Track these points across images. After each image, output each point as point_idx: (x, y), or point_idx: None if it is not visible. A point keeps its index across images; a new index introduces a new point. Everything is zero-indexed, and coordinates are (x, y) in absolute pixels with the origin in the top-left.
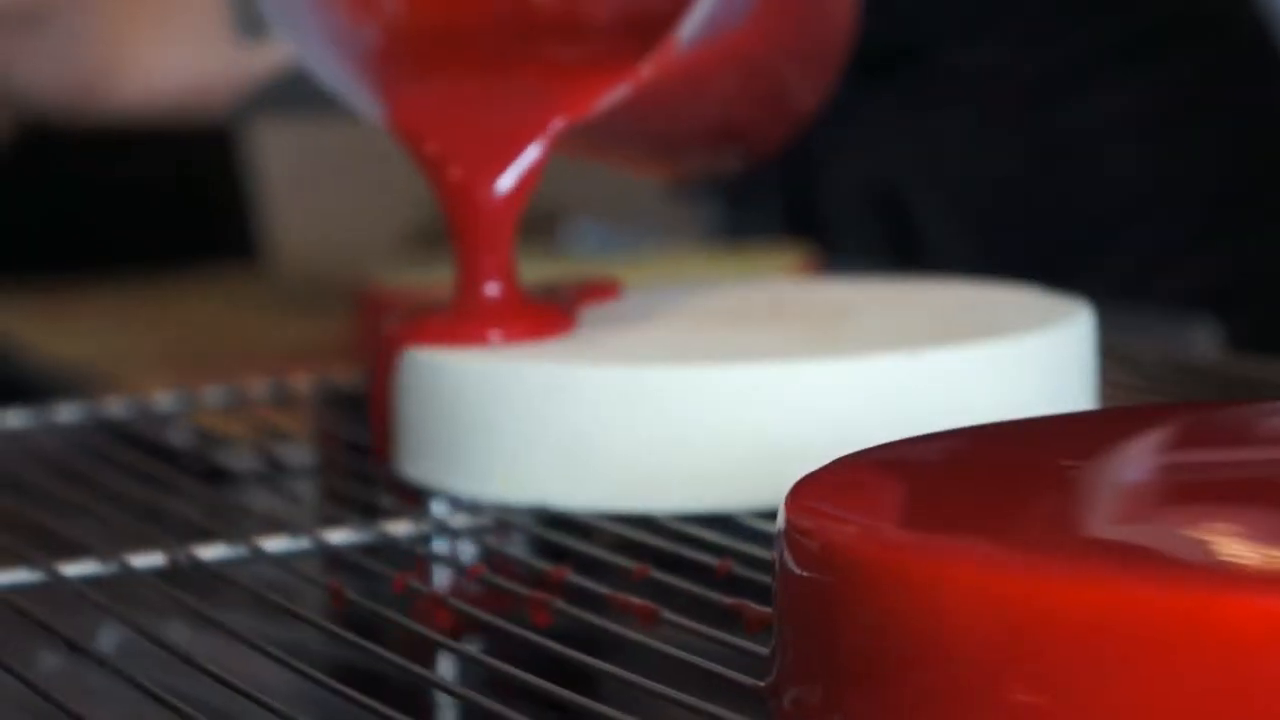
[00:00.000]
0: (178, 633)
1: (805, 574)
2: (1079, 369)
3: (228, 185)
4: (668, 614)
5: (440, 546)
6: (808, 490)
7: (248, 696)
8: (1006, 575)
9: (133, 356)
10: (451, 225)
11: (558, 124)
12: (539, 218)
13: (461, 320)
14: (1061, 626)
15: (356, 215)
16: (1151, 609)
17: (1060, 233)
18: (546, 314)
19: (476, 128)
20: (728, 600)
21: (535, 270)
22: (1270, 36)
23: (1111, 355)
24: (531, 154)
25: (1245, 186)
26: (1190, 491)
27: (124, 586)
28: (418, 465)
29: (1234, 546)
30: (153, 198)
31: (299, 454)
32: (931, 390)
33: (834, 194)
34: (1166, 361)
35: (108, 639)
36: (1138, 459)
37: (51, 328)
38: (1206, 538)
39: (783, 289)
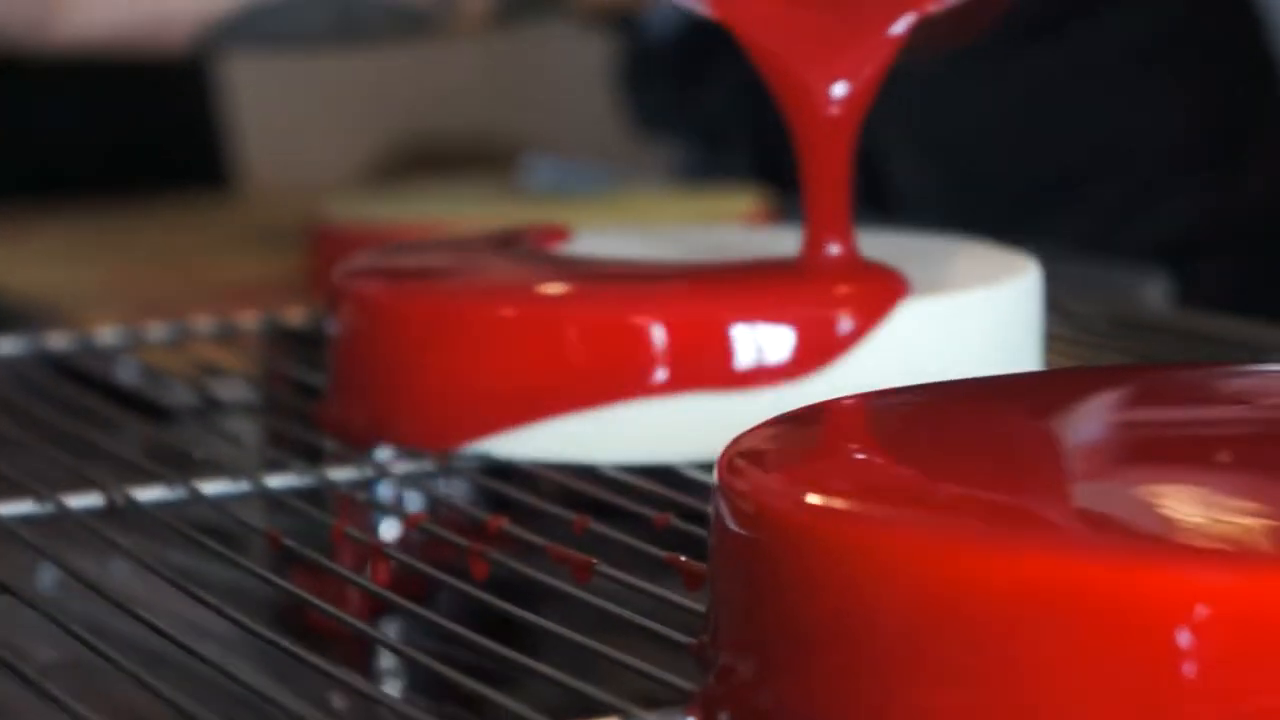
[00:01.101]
0: (114, 574)
1: (737, 534)
2: (1023, 326)
3: (200, 113)
4: (604, 568)
5: (382, 493)
6: (744, 449)
7: (178, 644)
8: (931, 545)
9: (83, 287)
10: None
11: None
12: (499, 152)
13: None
14: (984, 596)
15: (323, 143)
16: (1071, 580)
17: (1027, 182)
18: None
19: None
20: (665, 555)
21: (492, 203)
22: None
23: (1058, 310)
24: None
25: (1209, 139)
26: (1123, 457)
27: (60, 527)
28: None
29: (1159, 517)
30: (124, 124)
31: (242, 393)
32: (873, 344)
33: None
34: (1113, 317)
35: (43, 579)
36: (1072, 425)
37: (2, 255)
38: (1135, 507)
39: (730, 236)
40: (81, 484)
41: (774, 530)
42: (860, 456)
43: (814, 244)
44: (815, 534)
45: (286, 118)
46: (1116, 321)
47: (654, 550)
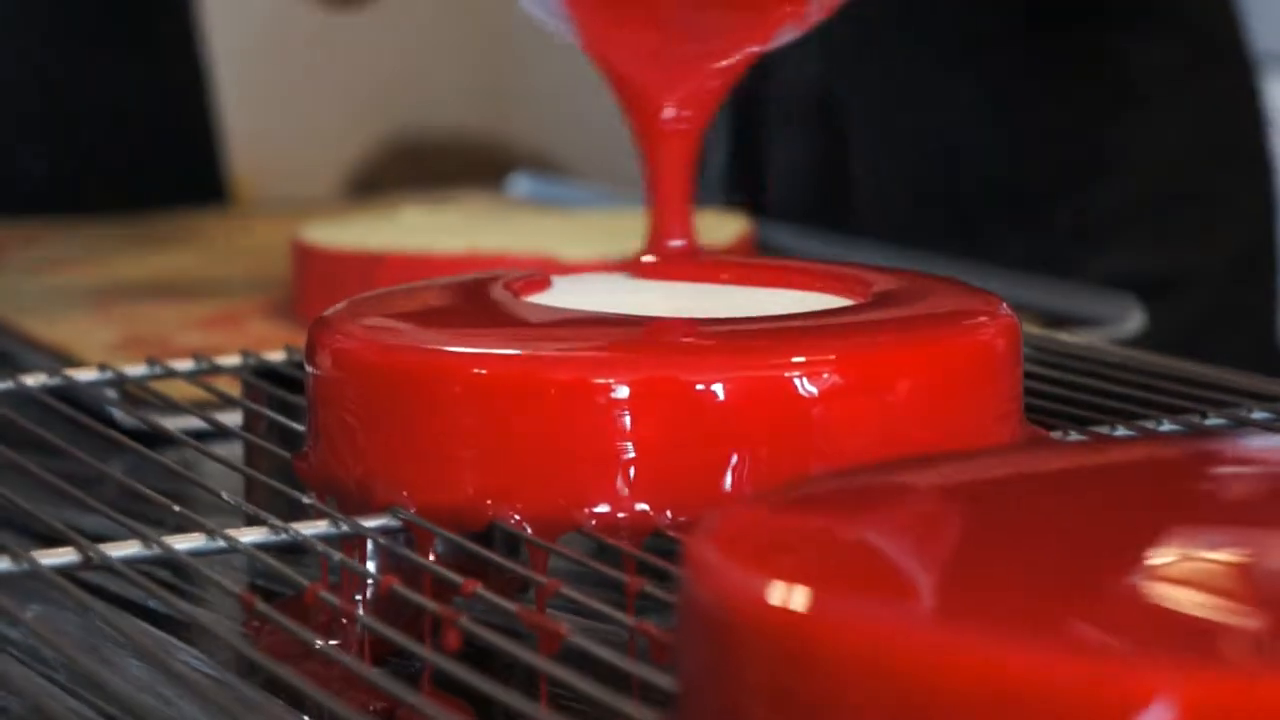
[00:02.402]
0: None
1: (702, 624)
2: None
3: (196, 128)
4: (575, 639)
5: (355, 551)
6: (713, 534)
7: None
8: (900, 651)
9: (66, 310)
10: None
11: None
12: (493, 155)
13: None
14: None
15: (314, 147)
16: (1027, 686)
17: (987, 195)
18: None
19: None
20: (633, 623)
21: (472, 227)
22: (1236, 27)
23: (1030, 344)
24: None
25: (1181, 177)
26: (1089, 542)
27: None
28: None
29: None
30: (118, 142)
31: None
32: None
33: (778, 159)
34: (1084, 356)
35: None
36: (1041, 511)
37: None
38: (1096, 600)
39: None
40: (56, 541)
41: (733, 629)
42: (829, 546)
43: (656, 239)
44: (776, 636)
45: (278, 121)
46: (1087, 359)
47: (622, 619)
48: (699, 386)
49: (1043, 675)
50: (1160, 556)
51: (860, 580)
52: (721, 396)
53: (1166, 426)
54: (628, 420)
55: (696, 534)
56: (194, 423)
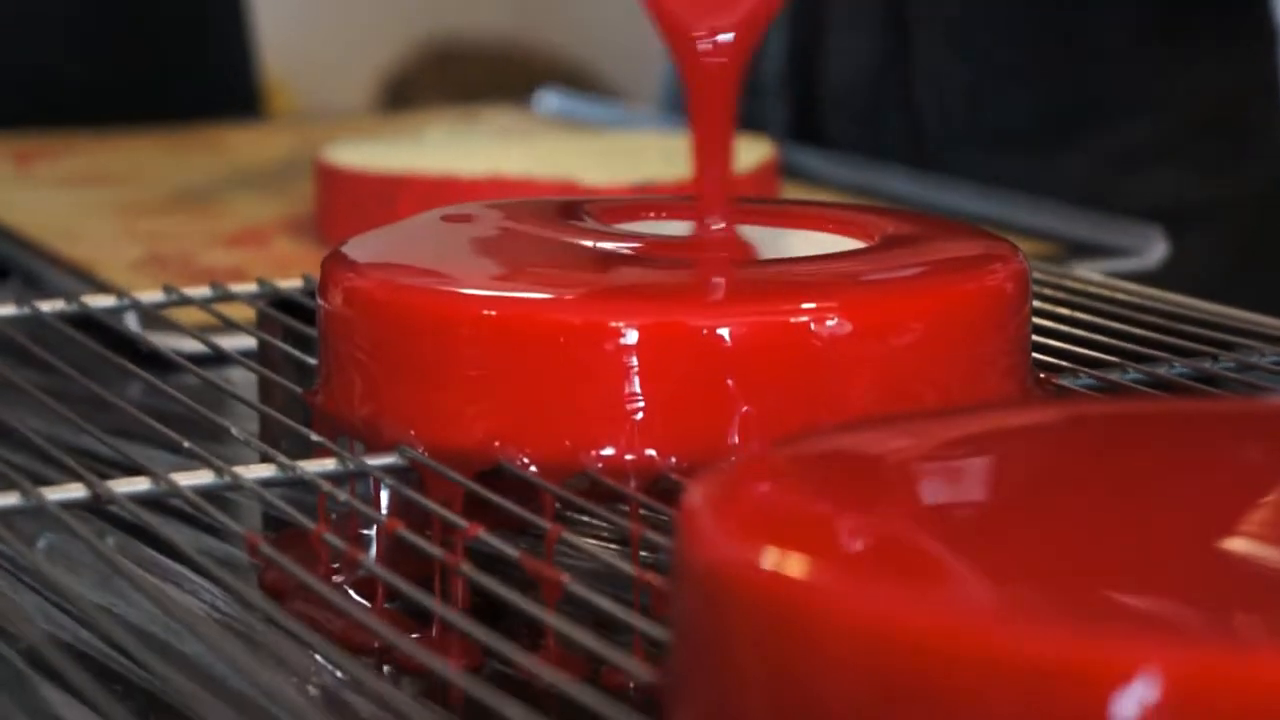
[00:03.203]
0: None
1: (692, 589)
2: None
3: (230, 39)
4: (574, 587)
5: (364, 489)
6: (707, 497)
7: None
8: (889, 624)
9: (92, 224)
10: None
11: None
12: (524, 73)
13: None
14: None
15: (346, 53)
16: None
17: (1041, 115)
18: None
19: None
20: (636, 573)
21: (494, 147)
22: None
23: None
24: None
25: (1217, 109)
26: (1084, 520)
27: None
28: None
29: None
30: (149, 52)
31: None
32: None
33: (836, 57)
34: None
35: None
36: (1041, 476)
37: (14, 188)
38: (1082, 573)
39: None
40: (65, 477)
41: (724, 596)
42: (829, 521)
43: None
44: (766, 604)
45: (313, 24)
46: (1101, 298)
47: (625, 568)
48: (705, 331)
49: (1027, 650)
50: (1161, 530)
51: (851, 550)
52: (728, 342)
53: (1177, 369)
54: (635, 364)
55: (691, 494)
56: (213, 346)
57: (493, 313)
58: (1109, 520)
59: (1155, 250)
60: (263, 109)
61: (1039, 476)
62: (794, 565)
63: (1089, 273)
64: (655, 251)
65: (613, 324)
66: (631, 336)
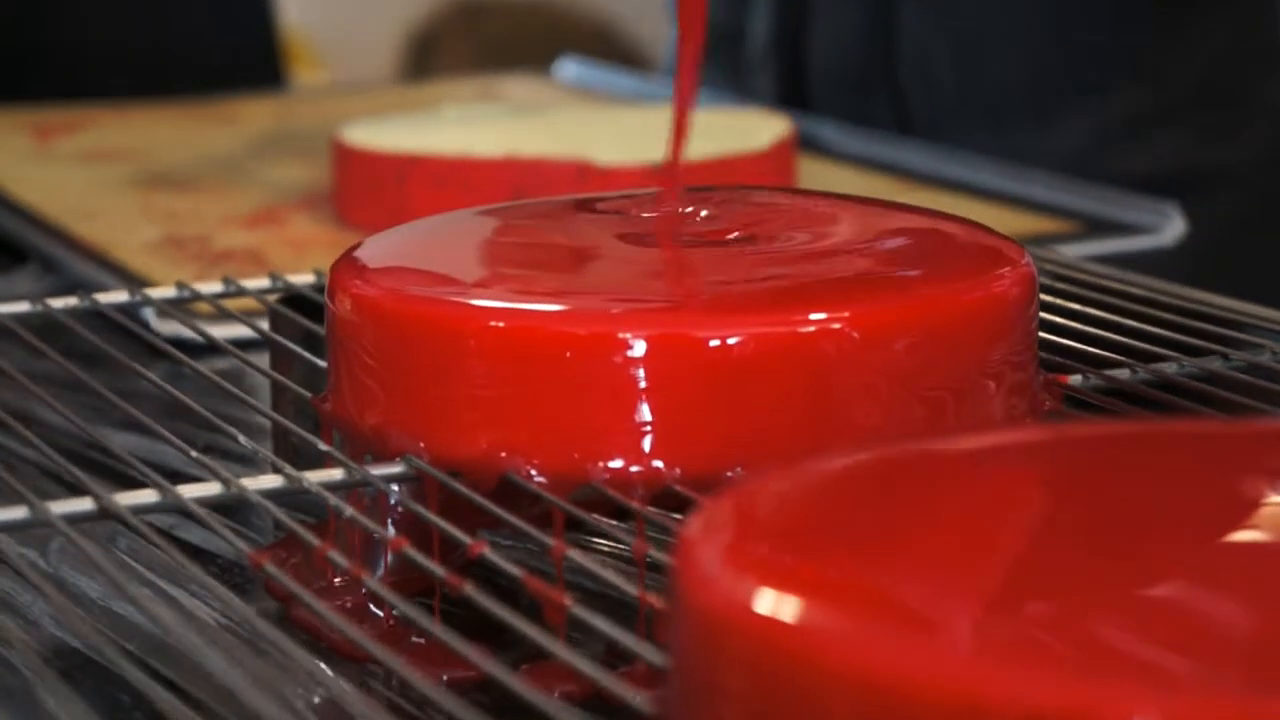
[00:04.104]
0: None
1: (688, 622)
2: None
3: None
4: (577, 611)
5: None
6: (706, 530)
7: None
8: (889, 675)
9: (109, 203)
10: None
11: None
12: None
13: None
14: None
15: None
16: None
17: (1029, 84)
18: None
19: None
20: (638, 593)
21: (509, 124)
22: None
23: (1053, 274)
24: None
25: (1217, 73)
26: (1083, 559)
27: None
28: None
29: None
30: (171, 24)
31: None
32: None
33: (823, 31)
34: (1111, 286)
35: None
36: (1042, 512)
37: (33, 164)
38: (1070, 624)
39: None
40: (72, 491)
41: (717, 637)
42: (823, 562)
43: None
44: (757, 647)
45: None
46: (1111, 291)
47: (627, 589)
48: (713, 343)
49: (1019, 700)
50: (1159, 569)
51: (844, 594)
52: (735, 353)
53: (1185, 369)
54: (642, 376)
55: (689, 527)
56: (233, 332)
57: (500, 324)
58: (1108, 561)
59: (1172, 228)
60: (285, 75)
61: (1042, 511)
62: (786, 609)
63: (1098, 265)
64: (667, 256)
65: (620, 335)
66: (638, 349)
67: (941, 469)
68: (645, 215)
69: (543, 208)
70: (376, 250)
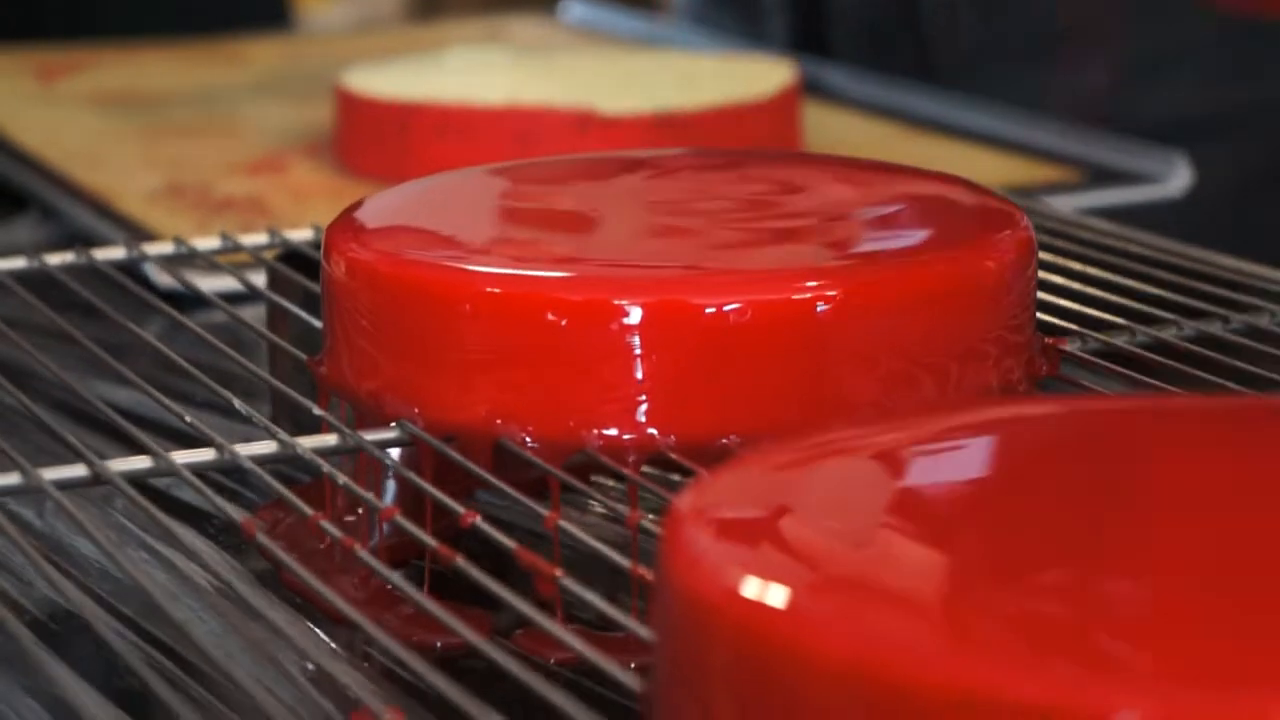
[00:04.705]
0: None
1: (674, 604)
2: None
3: None
4: (566, 582)
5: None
6: (693, 512)
7: None
8: (871, 662)
9: (110, 147)
10: None
11: None
12: None
13: None
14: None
15: None
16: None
17: (1042, 30)
18: None
19: None
20: (630, 566)
21: (513, 71)
22: None
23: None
24: None
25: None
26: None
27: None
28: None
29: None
30: None
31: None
32: None
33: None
34: (1112, 245)
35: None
36: (1032, 495)
37: (37, 104)
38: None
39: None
40: (65, 457)
41: (702, 622)
42: (810, 547)
43: None
44: (742, 633)
45: None
46: (1112, 250)
47: (620, 560)
48: (709, 310)
49: (1003, 691)
50: (1153, 561)
51: (830, 580)
52: (729, 322)
53: (1185, 333)
54: (637, 343)
55: (676, 508)
56: (232, 286)
57: (495, 290)
58: (1100, 548)
59: (1178, 177)
60: (293, 11)
61: (1034, 491)
62: (772, 595)
63: (1098, 221)
64: (663, 223)
65: (614, 303)
66: (633, 316)
67: (933, 451)
68: (644, 180)
69: (543, 169)
70: (373, 211)
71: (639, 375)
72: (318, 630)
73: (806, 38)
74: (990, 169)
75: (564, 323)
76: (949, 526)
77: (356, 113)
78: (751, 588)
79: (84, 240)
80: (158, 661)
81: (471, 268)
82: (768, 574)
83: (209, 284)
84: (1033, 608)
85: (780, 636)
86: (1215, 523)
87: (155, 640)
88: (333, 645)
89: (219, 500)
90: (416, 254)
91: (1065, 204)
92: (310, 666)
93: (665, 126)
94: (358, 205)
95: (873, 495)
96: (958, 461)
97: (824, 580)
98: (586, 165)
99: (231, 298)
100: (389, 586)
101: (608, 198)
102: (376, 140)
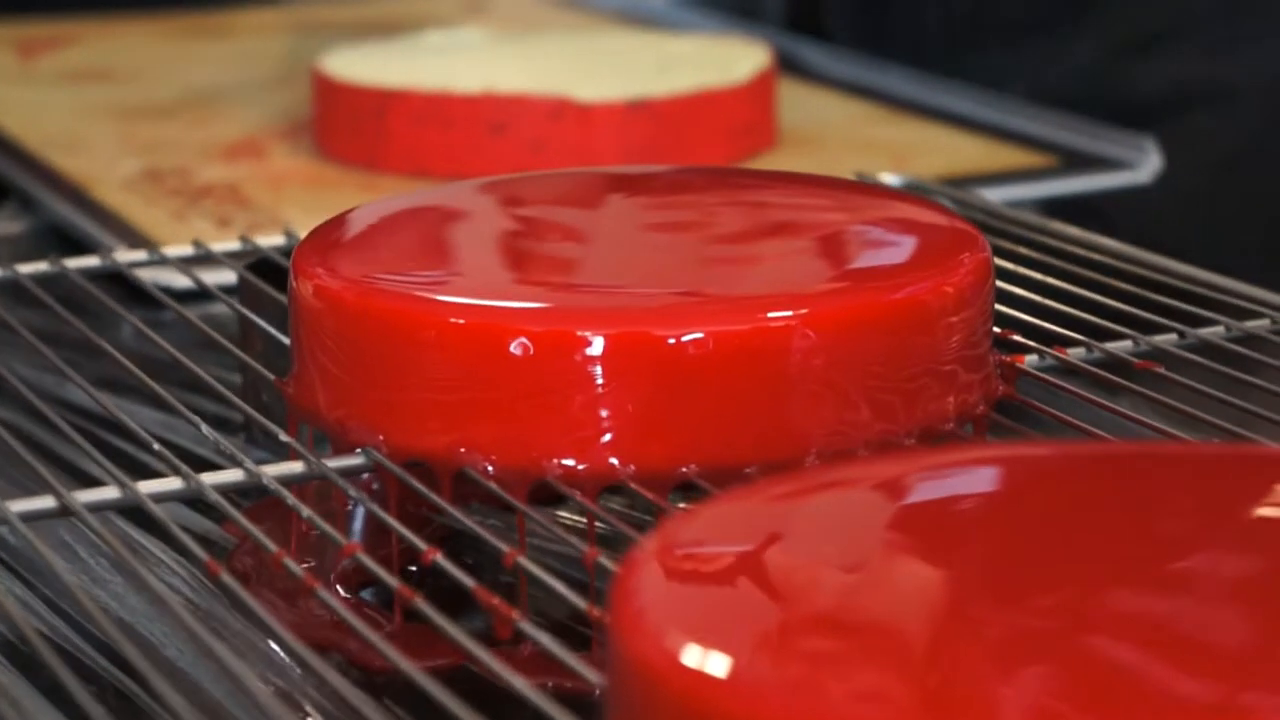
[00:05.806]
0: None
1: (623, 667)
2: None
3: None
4: (525, 627)
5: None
6: (642, 567)
7: None
8: None
9: (86, 131)
10: None
11: None
12: None
13: None
14: None
15: None
16: None
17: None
18: None
19: None
20: (588, 608)
21: (492, 56)
22: None
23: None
24: None
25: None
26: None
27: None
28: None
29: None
30: None
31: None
32: None
33: None
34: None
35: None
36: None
37: (19, 80)
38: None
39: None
40: (33, 490)
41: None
42: (755, 613)
43: None
44: (686, 700)
45: None
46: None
47: (576, 601)
48: (670, 342)
49: None
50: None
51: (774, 649)
52: (688, 353)
53: (1140, 349)
54: (598, 374)
55: (628, 564)
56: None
57: (459, 321)
58: (1057, 611)
59: (1149, 163)
60: None
61: (987, 552)
62: (714, 664)
63: (1062, 226)
64: (626, 249)
65: (577, 334)
66: (595, 348)
67: (888, 504)
68: (612, 203)
69: (515, 187)
70: (341, 233)
71: (599, 405)
72: (281, 650)
73: (800, 14)
74: (961, 152)
75: (525, 353)
76: (902, 593)
77: (334, 98)
78: (693, 656)
79: (62, 233)
80: (124, 684)
81: (436, 297)
82: (711, 641)
83: (185, 283)
84: (984, 681)
85: (721, 707)
86: (1164, 578)
87: (123, 663)
88: (297, 665)
89: (185, 538)
90: (382, 282)
91: (1037, 190)
92: (279, 683)
93: (639, 113)
94: (327, 225)
95: (824, 551)
96: (915, 522)
97: (769, 648)
98: (556, 184)
99: (206, 296)
100: (363, 606)
101: (575, 222)
102: (354, 126)
